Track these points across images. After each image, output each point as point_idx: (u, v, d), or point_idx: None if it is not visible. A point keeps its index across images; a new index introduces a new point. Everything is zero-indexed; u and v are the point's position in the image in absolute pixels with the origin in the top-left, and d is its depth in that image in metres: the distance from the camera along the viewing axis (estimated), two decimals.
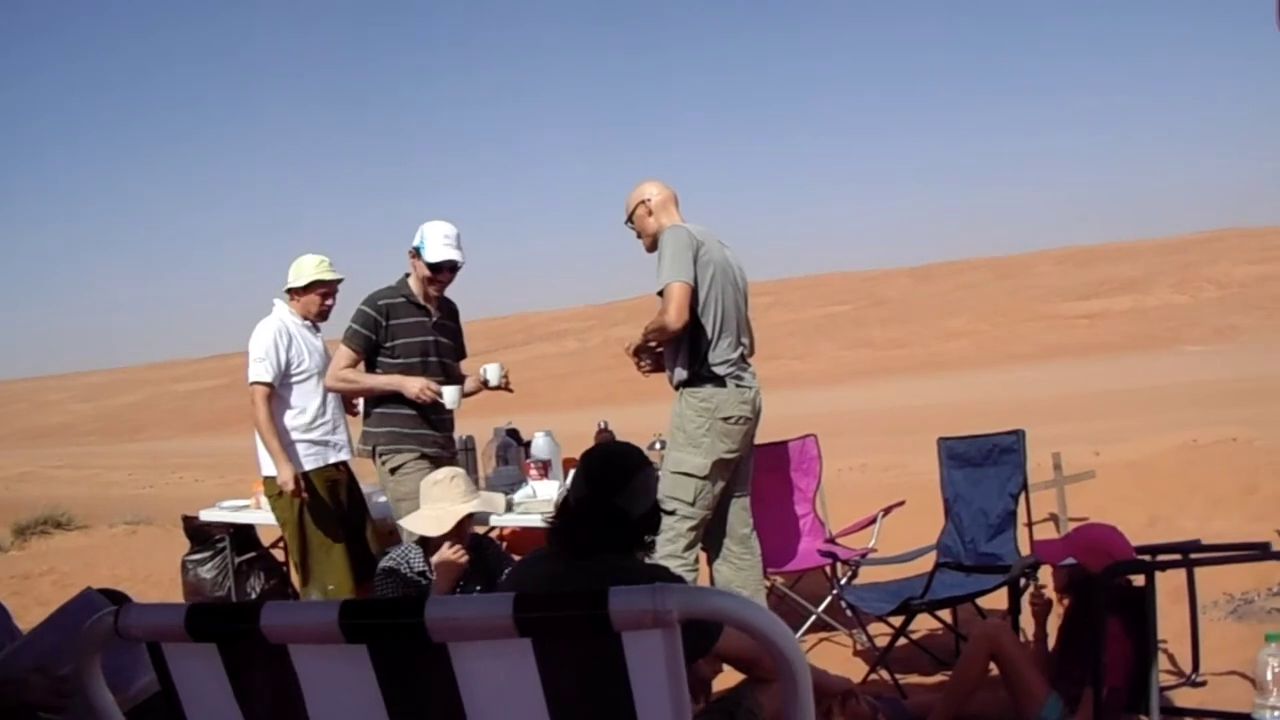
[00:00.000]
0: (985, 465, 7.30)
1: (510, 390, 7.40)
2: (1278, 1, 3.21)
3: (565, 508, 4.26)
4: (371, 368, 7.19)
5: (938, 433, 7.72)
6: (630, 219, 6.77)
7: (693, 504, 6.37)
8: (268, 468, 7.42)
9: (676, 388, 6.56)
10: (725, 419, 6.41)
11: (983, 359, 59.81)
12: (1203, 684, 6.06)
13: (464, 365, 7.65)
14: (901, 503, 7.82)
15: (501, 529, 7.92)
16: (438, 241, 7.08)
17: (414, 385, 6.98)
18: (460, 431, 7.71)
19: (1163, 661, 6.39)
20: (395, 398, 7.07)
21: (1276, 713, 4.66)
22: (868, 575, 7.63)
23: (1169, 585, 6.13)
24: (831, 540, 7.91)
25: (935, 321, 75.49)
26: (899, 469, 17.54)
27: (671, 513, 6.11)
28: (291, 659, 1.89)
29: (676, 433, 6.49)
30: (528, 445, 7.69)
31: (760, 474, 7.73)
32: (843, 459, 17.71)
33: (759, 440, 7.15)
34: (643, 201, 6.69)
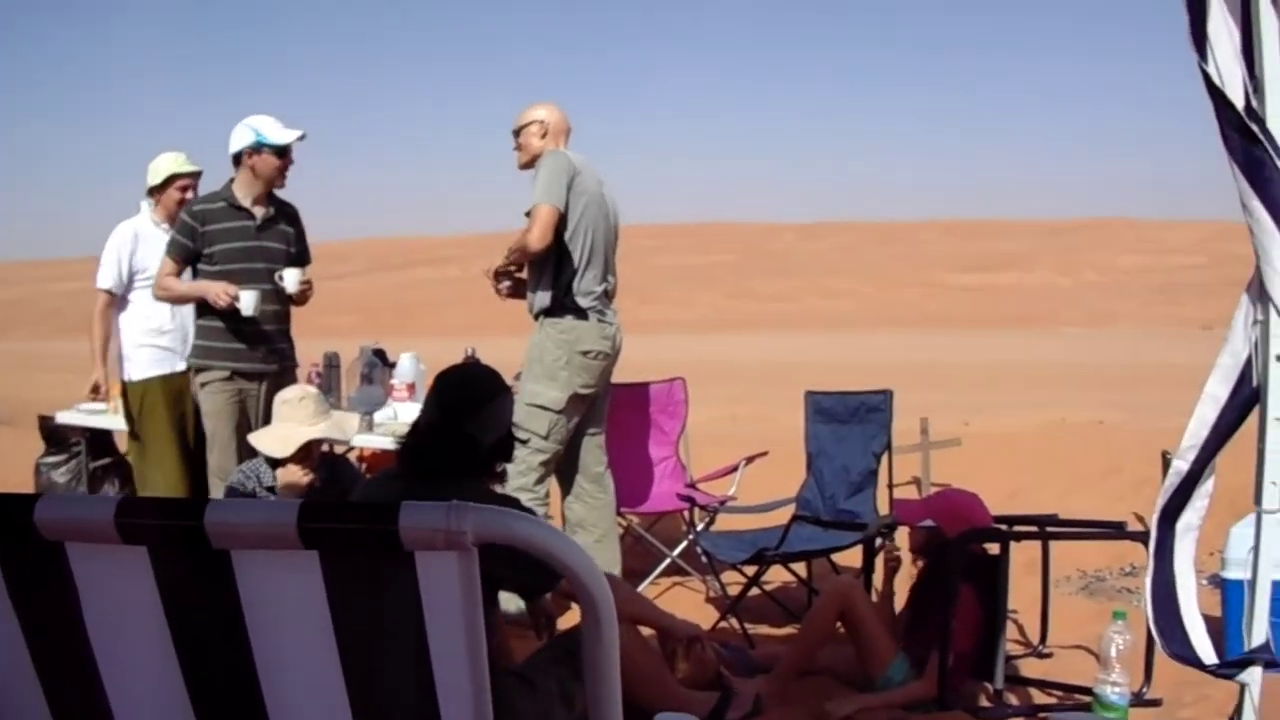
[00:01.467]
0: (851, 422, 7.26)
1: (299, 303, 6.92)
2: (1190, 24, 3.13)
3: (416, 430, 4.13)
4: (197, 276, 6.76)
5: (812, 387, 7.66)
6: (518, 132, 6.59)
7: (546, 437, 6.29)
8: (126, 372, 7.23)
9: (536, 316, 6.45)
10: (584, 352, 6.33)
11: (863, 320, 60.38)
12: (1049, 655, 6.13)
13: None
14: (765, 453, 7.77)
15: (362, 449, 7.77)
16: (276, 125, 6.64)
17: (213, 289, 6.52)
18: (327, 348, 7.51)
19: (1012, 632, 6.44)
20: (214, 309, 6.59)
21: (1117, 689, 4.67)
22: (726, 523, 7.59)
23: (1023, 557, 6.16)
24: (692, 485, 7.86)
25: (819, 279, 76.09)
26: (769, 420, 17.55)
27: (524, 443, 5.98)
28: (68, 558, 1.73)
29: (533, 364, 6.39)
30: (394, 366, 7.54)
31: (625, 413, 7.68)
32: (715, 407, 17.71)
33: (625, 379, 7.07)
34: (539, 121, 6.52)
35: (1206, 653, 3.30)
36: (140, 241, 7.15)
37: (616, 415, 7.66)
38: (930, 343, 45.47)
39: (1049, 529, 6.06)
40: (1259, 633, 3.11)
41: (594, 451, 6.67)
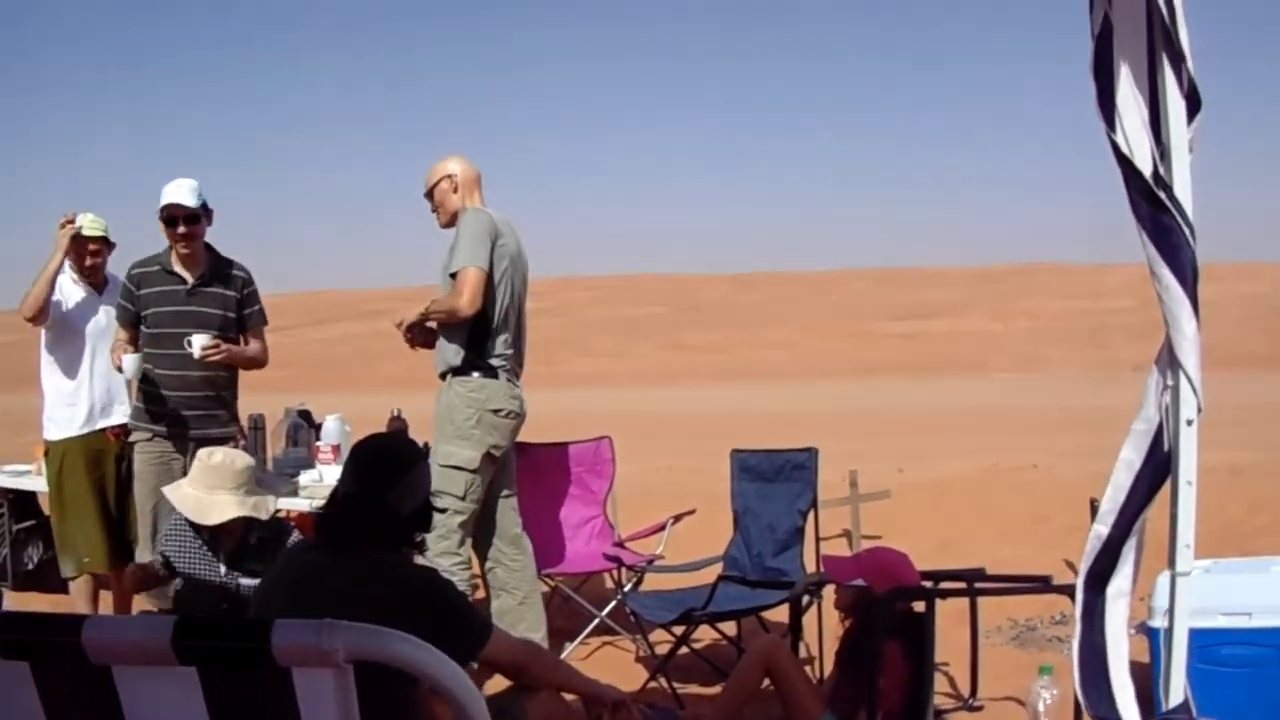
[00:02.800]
0: (776, 481, 7.24)
1: (245, 366, 6.85)
2: (1097, 93, 3.16)
3: (334, 500, 4.06)
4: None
5: (748, 439, 7.66)
6: (430, 193, 6.55)
7: (462, 498, 6.22)
8: (48, 431, 7.12)
9: (443, 375, 6.40)
10: (495, 411, 6.29)
11: (798, 370, 60.48)
12: (980, 708, 6.13)
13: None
14: (692, 511, 7.71)
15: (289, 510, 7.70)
16: (168, 190, 6.54)
17: (114, 352, 6.58)
18: (252, 409, 7.42)
19: (943, 684, 6.43)
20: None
21: None
22: (656, 582, 7.54)
23: (954, 608, 6.18)
24: (620, 544, 7.79)
25: (753, 330, 76.17)
26: (704, 472, 17.52)
27: (444, 510, 5.91)
28: None
29: (444, 424, 6.33)
30: (319, 428, 7.46)
31: (552, 473, 7.69)
32: (649, 459, 17.69)
33: (558, 434, 7.01)
34: (448, 176, 6.48)
35: (1132, 717, 3.28)
36: (61, 289, 7.00)
37: (543, 475, 7.64)
38: (865, 391, 45.58)
39: (977, 584, 6.03)
40: (1176, 692, 3.09)
41: (509, 514, 6.62)
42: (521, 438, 6.74)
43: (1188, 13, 3.16)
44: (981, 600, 6.33)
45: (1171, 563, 3.11)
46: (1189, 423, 3.07)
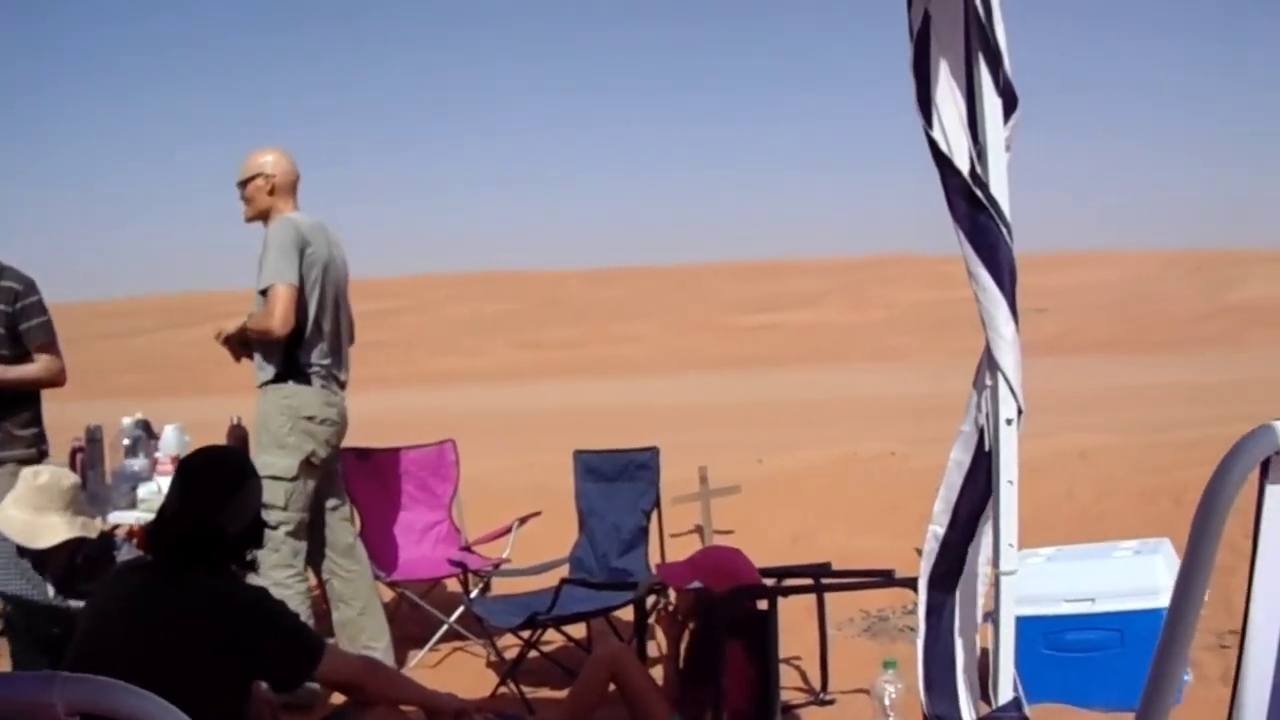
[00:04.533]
0: (619, 480, 7.21)
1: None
2: (916, 90, 3.14)
3: (161, 518, 3.93)
4: None
5: (605, 435, 7.61)
6: (244, 183, 6.35)
7: (285, 508, 6.09)
8: None
9: (260, 385, 6.28)
10: (309, 418, 6.19)
11: (656, 365, 60.64)
12: (831, 702, 6.11)
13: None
14: (538, 513, 7.66)
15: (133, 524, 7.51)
16: None
17: None
18: (101, 417, 7.21)
19: (794, 679, 6.44)
20: None
21: None
22: (505, 586, 7.48)
23: (805, 603, 6.18)
24: (467, 548, 7.72)
25: (609, 325, 76.29)
26: (561, 469, 17.52)
27: (275, 528, 5.80)
28: None
29: (261, 434, 6.22)
30: (158, 438, 7.29)
31: (395, 478, 7.62)
32: (505, 458, 17.62)
33: (411, 439, 6.90)
34: (265, 175, 6.29)
35: (969, 715, 3.28)
36: None
37: (386, 481, 7.54)
38: (724, 384, 45.83)
39: (821, 580, 6.03)
40: (1005, 688, 3.09)
41: (340, 524, 6.55)
42: (377, 441, 6.65)
43: (1005, 12, 3.16)
44: (830, 596, 6.34)
45: (995, 562, 3.10)
46: (1008, 422, 3.07)
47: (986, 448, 3.16)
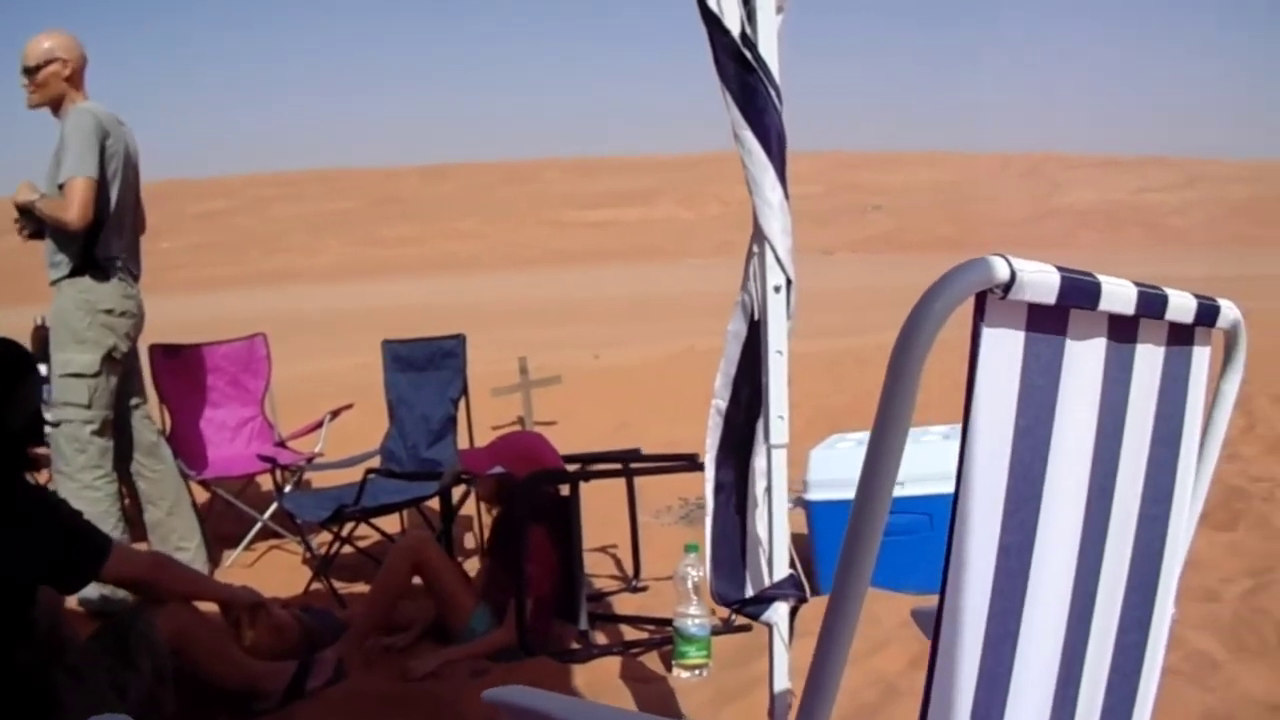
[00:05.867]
0: (428, 369, 7.09)
1: None
2: (710, 41, 3.05)
3: None
4: None
5: (439, 332, 7.45)
6: (34, 70, 6.01)
7: (89, 406, 5.90)
8: None
9: (54, 282, 6.07)
10: (108, 311, 5.98)
11: (491, 261, 60.57)
12: (644, 589, 6.13)
13: None
14: (349, 405, 7.58)
15: None
16: None
17: None
18: None
19: (608, 567, 6.48)
20: None
21: (697, 620, 4.69)
22: (323, 480, 7.40)
23: (621, 491, 6.20)
24: (280, 444, 7.60)
25: (444, 222, 75.89)
26: None
27: (71, 422, 5.66)
28: None
29: (59, 330, 5.99)
30: None
31: (204, 374, 7.49)
32: (342, 357, 17.48)
33: (210, 339, 6.76)
34: (61, 59, 5.98)
35: (750, 593, 3.25)
36: None
37: (196, 377, 7.39)
38: (560, 280, 45.93)
39: (631, 465, 6.04)
40: (781, 565, 3.07)
41: (142, 422, 6.36)
42: (192, 339, 6.48)
43: None
44: (651, 480, 6.36)
45: (766, 436, 3.06)
46: (776, 290, 3.03)
47: (756, 317, 3.12)
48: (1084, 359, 1.50)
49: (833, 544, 5.37)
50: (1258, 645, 4.56)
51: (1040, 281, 1.31)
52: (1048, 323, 1.41)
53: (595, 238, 68.83)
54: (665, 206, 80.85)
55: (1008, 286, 1.27)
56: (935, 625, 1.38)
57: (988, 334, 1.31)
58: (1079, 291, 1.39)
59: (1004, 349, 1.36)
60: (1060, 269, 1.35)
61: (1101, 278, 1.44)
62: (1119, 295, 1.48)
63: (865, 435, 5.65)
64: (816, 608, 5.28)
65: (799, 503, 6.09)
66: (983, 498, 1.37)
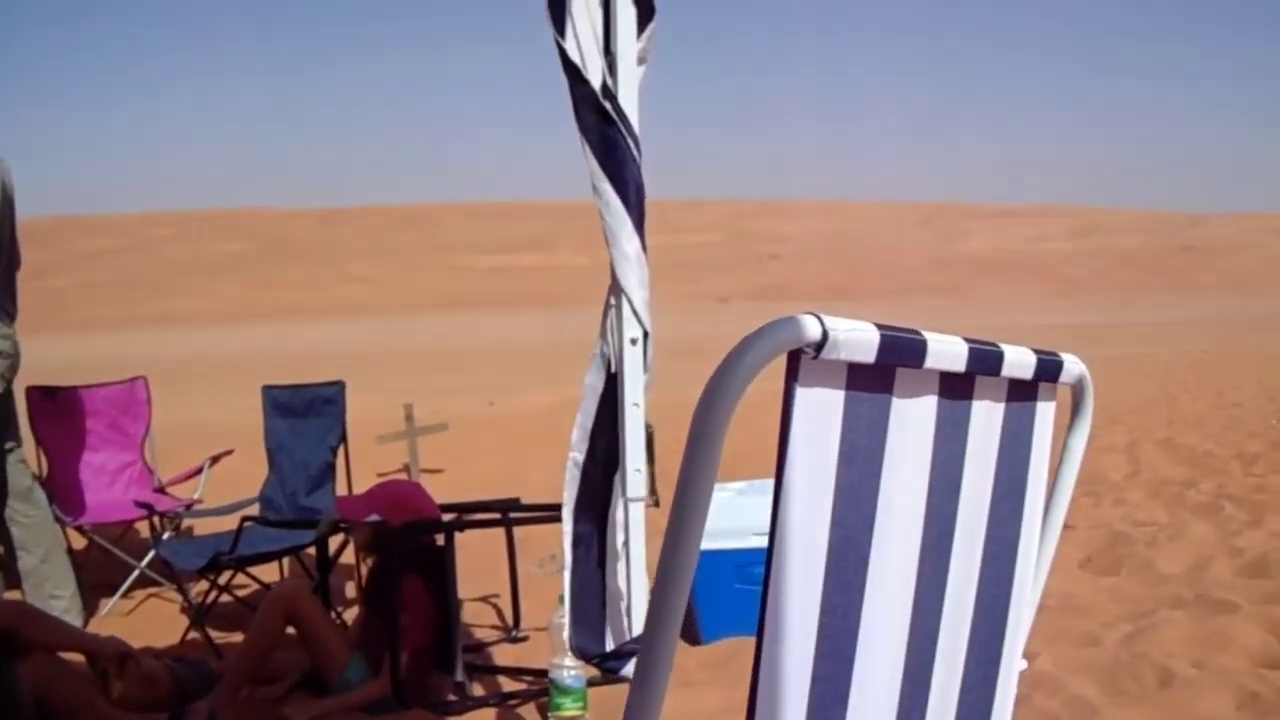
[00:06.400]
0: (307, 416, 7.07)
1: None
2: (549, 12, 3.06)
3: None
4: None
5: (328, 378, 7.39)
6: None
7: None
8: None
9: None
10: None
11: (385, 305, 60.31)
12: (525, 639, 6.10)
13: None
14: (230, 451, 7.49)
15: None
16: None
17: None
18: None
19: (489, 617, 6.45)
20: None
21: (573, 672, 4.67)
22: (202, 527, 7.30)
23: (503, 540, 6.16)
24: (160, 490, 7.50)
25: (339, 265, 75.51)
26: None
27: None
28: None
29: None
30: None
31: (84, 419, 7.36)
32: (228, 401, 17.29)
33: (94, 381, 6.78)
34: None
35: (610, 648, 3.26)
36: None
37: (75, 421, 7.29)
38: (455, 325, 45.75)
39: (509, 515, 6.00)
40: (639, 622, 3.07)
41: (17, 466, 6.24)
42: (78, 381, 6.38)
43: None
44: (535, 529, 6.33)
45: (623, 490, 3.08)
46: (633, 342, 3.06)
47: (614, 369, 3.14)
48: (913, 417, 1.48)
49: (711, 594, 5.37)
50: (1136, 690, 4.63)
51: (857, 340, 1.28)
52: (871, 382, 1.38)
53: (492, 283, 68.83)
54: (563, 253, 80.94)
55: (820, 345, 1.24)
56: (750, 697, 1.35)
57: (801, 394, 1.28)
58: (902, 350, 1.36)
59: (820, 408, 1.33)
60: (881, 327, 1.32)
61: (929, 335, 1.41)
62: (947, 353, 1.45)
63: (745, 485, 5.69)
64: (693, 657, 5.31)
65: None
66: (800, 560, 1.34)
